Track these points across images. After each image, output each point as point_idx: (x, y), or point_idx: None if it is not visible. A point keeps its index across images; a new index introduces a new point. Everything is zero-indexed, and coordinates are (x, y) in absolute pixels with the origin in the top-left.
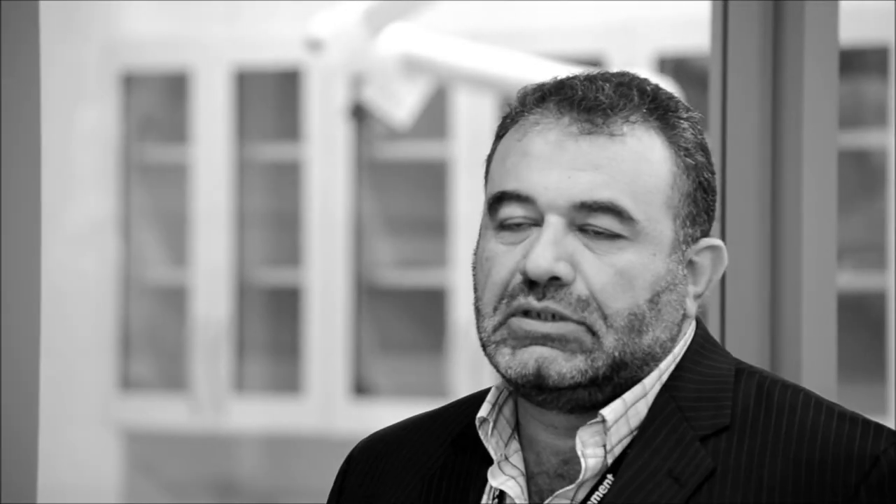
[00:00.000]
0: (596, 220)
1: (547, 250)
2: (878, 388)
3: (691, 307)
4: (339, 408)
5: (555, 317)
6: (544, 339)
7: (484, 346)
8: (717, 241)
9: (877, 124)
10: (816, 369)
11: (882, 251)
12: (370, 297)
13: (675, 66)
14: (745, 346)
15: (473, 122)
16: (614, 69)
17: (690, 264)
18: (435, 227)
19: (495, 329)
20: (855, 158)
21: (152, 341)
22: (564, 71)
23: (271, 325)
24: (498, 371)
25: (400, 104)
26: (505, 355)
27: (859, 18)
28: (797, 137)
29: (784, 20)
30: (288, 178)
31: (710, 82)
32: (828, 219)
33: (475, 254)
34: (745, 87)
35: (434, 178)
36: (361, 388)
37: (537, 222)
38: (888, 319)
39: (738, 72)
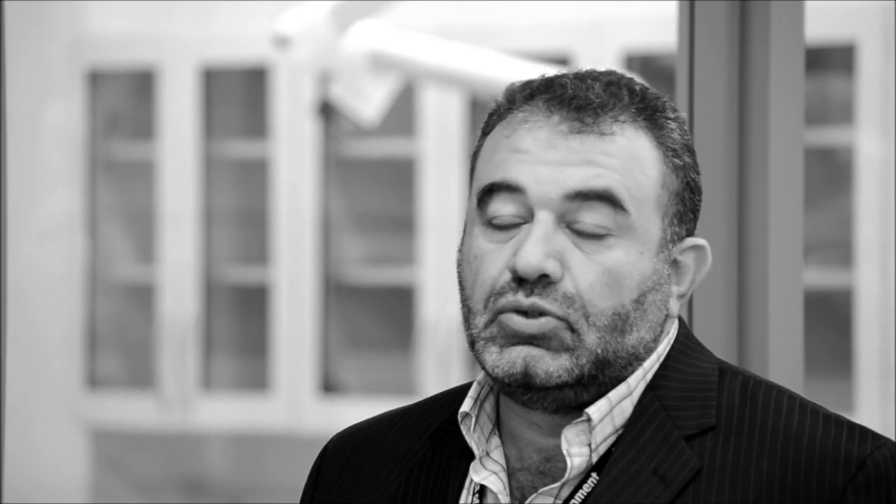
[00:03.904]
0: (588, 212)
1: (537, 247)
2: (845, 384)
3: (674, 307)
4: (308, 405)
5: (541, 314)
6: (531, 339)
7: (472, 344)
8: (702, 241)
9: (842, 122)
10: (783, 366)
11: (848, 248)
12: (338, 294)
13: (643, 63)
14: (712, 342)
15: (441, 119)
16: (583, 67)
17: (675, 263)
18: (403, 224)
19: (486, 326)
20: (821, 156)
21: (119, 339)
22: (532, 68)
23: (239, 322)
24: (484, 369)
25: (367, 101)
26: (493, 353)
27: (825, 16)
28: (763, 135)
29: (750, 18)
30: (255, 176)
31: (676, 80)
32: (794, 216)
33: (460, 251)
34: (711, 85)
35: (402, 175)
36: (329, 385)
37: (526, 219)
38: (854, 316)
39: (704, 70)
